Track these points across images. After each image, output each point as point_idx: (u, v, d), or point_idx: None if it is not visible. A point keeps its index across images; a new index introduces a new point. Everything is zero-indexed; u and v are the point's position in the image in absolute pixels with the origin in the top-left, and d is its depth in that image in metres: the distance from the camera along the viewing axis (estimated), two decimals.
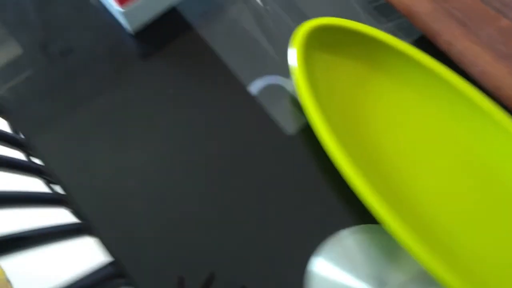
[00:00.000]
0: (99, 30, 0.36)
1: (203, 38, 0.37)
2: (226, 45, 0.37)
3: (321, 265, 0.29)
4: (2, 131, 0.41)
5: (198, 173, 0.32)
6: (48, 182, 0.43)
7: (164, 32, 0.37)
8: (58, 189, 0.32)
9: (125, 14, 0.33)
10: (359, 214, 0.30)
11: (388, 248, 0.29)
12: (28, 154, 0.43)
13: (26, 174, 0.39)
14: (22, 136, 0.38)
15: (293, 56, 0.31)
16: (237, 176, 0.32)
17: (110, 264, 0.33)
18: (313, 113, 0.29)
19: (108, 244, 0.30)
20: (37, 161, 0.40)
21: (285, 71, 0.35)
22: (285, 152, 0.33)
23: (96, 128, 0.33)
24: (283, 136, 0.33)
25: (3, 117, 0.38)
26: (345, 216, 0.31)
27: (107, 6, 0.36)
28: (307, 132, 0.33)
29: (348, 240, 0.29)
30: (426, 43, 0.35)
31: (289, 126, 0.34)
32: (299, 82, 0.30)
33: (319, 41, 0.32)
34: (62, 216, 0.42)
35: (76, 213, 0.38)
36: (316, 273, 0.28)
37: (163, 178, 0.32)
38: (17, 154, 0.42)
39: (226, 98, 0.35)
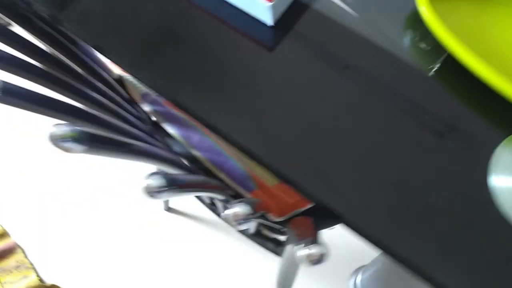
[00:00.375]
0: (241, 29, 0.42)
1: (320, 12, 0.43)
2: (344, 14, 0.43)
3: (497, 180, 0.35)
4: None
5: (362, 114, 0.38)
6: None
7: (292, 16, 0.43)
8: None
9: (272, 7, 0.39)
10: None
11: None
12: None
13: None
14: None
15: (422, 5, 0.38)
16: (397, 116, 0.38)
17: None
18: (455, 42, 0.36)
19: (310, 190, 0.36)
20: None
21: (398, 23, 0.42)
22: (430, 88, 0.39)
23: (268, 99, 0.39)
24: (421, 74, 0.40)
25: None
26: (498, 131, 0.37)
27: (245, 7, 0.42)
28: (441, 68, 0.40)
29: (507, 149, 0.36)
30: None
31: (423, 66, 0.40)
32: (434, 23, 0.37)
33: None
34: None
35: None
36: (496, 187, 0.35)
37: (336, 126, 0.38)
38: None
39: (364, 54, 0.41)
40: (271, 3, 0.39)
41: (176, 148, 0.62)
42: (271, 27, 0.42)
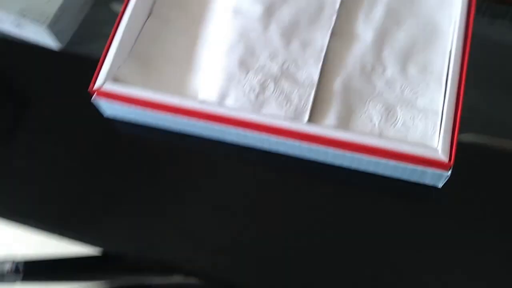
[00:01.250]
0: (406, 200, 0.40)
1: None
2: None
3: None
4: None
5: None
6: None
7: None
8: None
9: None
10: None
11: None
12: None
13: None
14: None
15: None
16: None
17: None
18: None
19: None
20: None
21: None
22: None
23: None
24: None
25: None
26: None
27: (404, 176, 0.39)
28: None
29: None
30: None
31: None
32: None
33: None
34: None
35: None
36: None
37: None
38: None
39: None
40: (448, 172, 0.37)
41: None
42: (435, 187, 0.40)
